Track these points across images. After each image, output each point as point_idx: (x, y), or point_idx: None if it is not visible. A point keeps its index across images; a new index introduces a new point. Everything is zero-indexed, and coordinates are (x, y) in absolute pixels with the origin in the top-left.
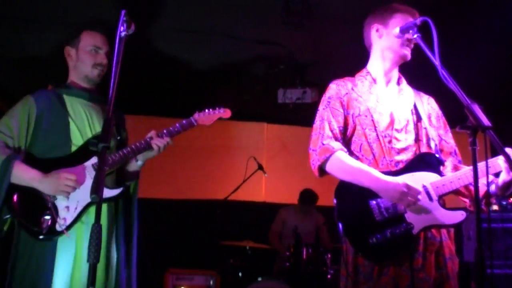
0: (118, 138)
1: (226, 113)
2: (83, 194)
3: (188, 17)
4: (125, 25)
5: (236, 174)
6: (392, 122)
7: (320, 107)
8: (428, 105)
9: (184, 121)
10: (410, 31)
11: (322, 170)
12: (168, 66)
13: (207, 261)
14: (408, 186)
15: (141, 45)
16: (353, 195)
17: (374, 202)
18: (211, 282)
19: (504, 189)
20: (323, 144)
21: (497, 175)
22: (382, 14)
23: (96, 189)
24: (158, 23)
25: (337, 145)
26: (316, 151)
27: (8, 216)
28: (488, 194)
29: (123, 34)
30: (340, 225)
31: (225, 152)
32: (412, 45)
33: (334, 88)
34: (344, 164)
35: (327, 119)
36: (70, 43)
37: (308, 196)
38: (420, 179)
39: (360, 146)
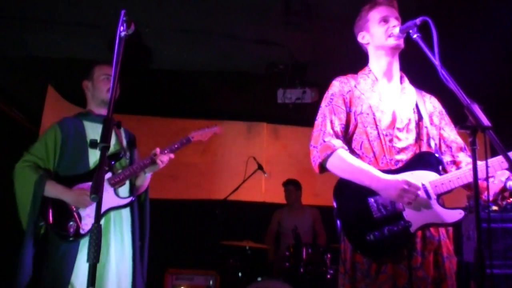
0: (129, 155)
1: (219, 130)
2: (103, 204)
3: (188, 17)
4: (125, 25)
5: (236, 174)
6: (394, 120)
7: (323, 104)
8: (430, 104)
9: (183, 139)
10: (410, 31)
11: (322, 167)
12: (168, 66)
13: (207, 261)
14: (408, 183)
15: (141, 45)
16: (352, 192)
17: (372, 199)
18: (211, 282)
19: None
20: (324, 141)
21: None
22: (359, 22)
23: (96, 189)
24: (158, 23)
25: (338, 142)
26: (317, 148)
27: (42, 223)
28: (504, 188)
29: (122, 34)
30: (339, 223)
31: (225, 152)
32: (401, 34)
33: (337, 85)
34: (345, 163)
35: (329, 116)
36: (86, 78)
37: (289, 181)
38: (419, 178)
39: (361, 144)
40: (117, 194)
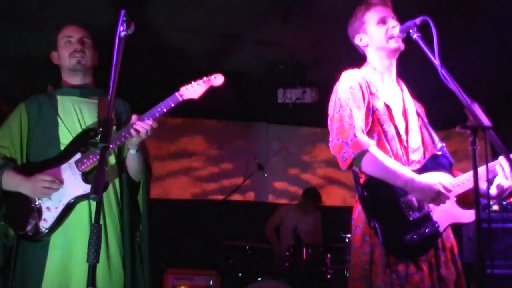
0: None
1: (217, 79)
2: (65, 193)
3: (188, 17)
4: (124, 24)
5: (236, 174)
6: (406, 120)
7: (342, 95)
8: (420, 109)
9: (167, 99)
10: (410, 31)
11: (350, 164)
12: (168, 66)
13: (207, 261)
14: (444, 186)
15: (141, 45)
16: (383, 191)
17: (404, 200)
18: (211, 282)
19: (500, 194)
20: (355, 137)
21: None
22: (355, 23)
23: (96, 189)
24: (158, 23)
25: (367, 138)
26: (349, 144)
27: (2, 222)
28: (487, 197)
29: (122, 34)
30: (375, 225)
31: (225, 152)
32: (401, 34)
33: (355, 78)
34: (378, 162)
35: (354, 109)
36: (53, 48)
37: (313, 194)
38: (437, 179)
39: (377, 142)
40: (87, 180)
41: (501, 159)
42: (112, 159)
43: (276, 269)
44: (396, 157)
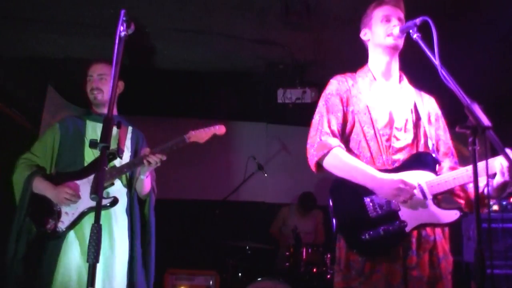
0: (131, 155)
1: (220, 129)
2: (82, 203)
3: (188, 17)
4: (124, 25)
5: (236, 174)
6: (391, 120)
7: (320, 103)
8: (429, 104)
9: (177, 139)
10: (410, 31)
11: (319, 166)
12: (168, 66)
13: (207, 261)
14: (404, 182)
15: (141, 45)
16: (348, 191)
17: (368, 199)
18: (211, 282)
19: (499, 190)
20: (321, 140)
21: (493, 176)
22: (365, 19)
23: (96, 189)
24: (158, 23)
25: (334, 141)
26: (314, 147)
27: (28, 219)
28: (483, 195)
29: (122, 34)
30: (335, 222)
31: (225, 152)
32: (401, 34)
33: (335, 84)
34: (341, 161)
35: (326, 115)
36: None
37: (306, 200)
38: (415, 178)
39: (359, 143)
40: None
41: (501, 157)
42: (123, 180)
43: (276, 269)
44: (376, 157)
